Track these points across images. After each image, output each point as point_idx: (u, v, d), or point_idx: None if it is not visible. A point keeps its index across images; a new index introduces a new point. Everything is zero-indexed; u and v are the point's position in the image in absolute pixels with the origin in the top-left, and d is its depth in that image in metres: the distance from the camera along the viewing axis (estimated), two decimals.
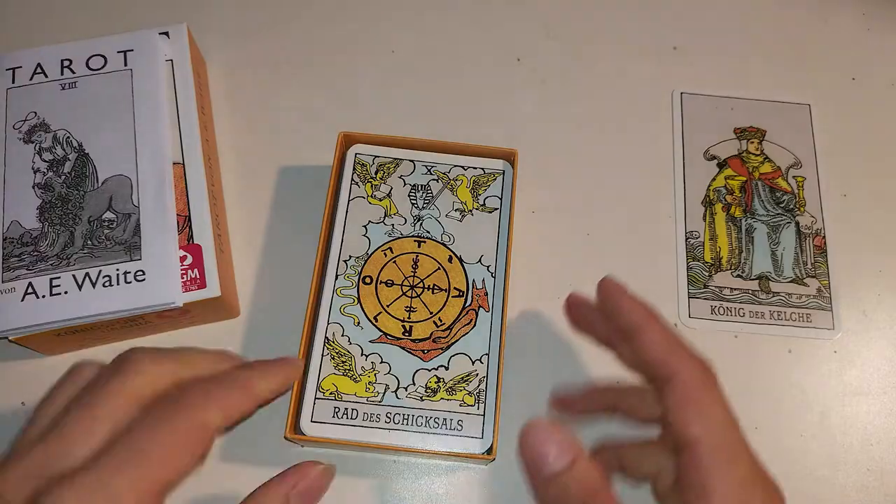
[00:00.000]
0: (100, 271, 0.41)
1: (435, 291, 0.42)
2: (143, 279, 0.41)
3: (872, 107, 0.51)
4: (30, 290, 0.40)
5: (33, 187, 0.43)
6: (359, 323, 0.41)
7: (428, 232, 0.43)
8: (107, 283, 0.41)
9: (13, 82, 0.46)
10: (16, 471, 0.25)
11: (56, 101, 0.45)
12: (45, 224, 0.42)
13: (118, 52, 0.46)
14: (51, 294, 0.40)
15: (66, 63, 0.46)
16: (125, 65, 0.46)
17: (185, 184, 0.43)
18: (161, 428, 0.26)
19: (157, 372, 0.28)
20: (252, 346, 0.44)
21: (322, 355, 0.40)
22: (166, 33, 0.48)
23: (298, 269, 0.45)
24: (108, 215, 0.42)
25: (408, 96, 0.51)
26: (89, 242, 0.42)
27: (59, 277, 0.41)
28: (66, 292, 0.40)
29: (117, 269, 0.41)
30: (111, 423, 0.26)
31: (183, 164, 0.44)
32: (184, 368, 0.29)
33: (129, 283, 0.41)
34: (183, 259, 0.41)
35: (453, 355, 0.40)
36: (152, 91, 0.45)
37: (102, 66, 0.46)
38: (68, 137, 0.44)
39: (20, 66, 0.46)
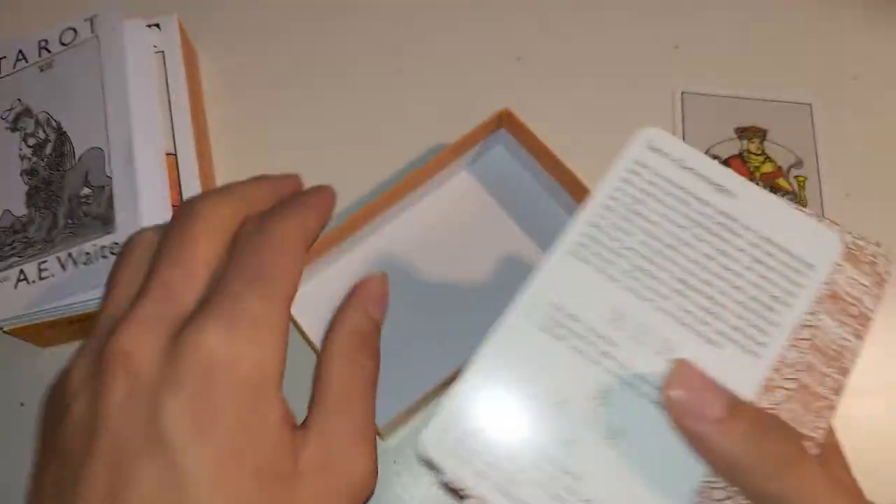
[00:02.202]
0: (80, 249, 0.42)
1: None
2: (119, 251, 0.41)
3: (874, 106, 0.53)
4: (21, 276, 0.41)
5: (21, 175, 0.44)
6: None
7: None
8: (86, 261, 0.41)
9: None
10: (134, 327, 0.25)
11: (36, 84, 0.47)
12: (31, 209, 0.43)
13: (84, 19, 0.47)
14: (40, 279, 0.41)
15: (42, 44, 0.48)
16: (91, 32, 0.47)
17: (178, 174, 0.45)
18: (264, 248, 0.27)
19: (225, 212, 0.29)
20: None
21: None
22: (157, 25, 0.49)
23: None
24: (86, 191, 0.43)
25: (405, 94, 0.53)
26: (70, 221, 0.43)
27: (46, 261, 0.42)
28: (52, 275, 0.41)
29: (94, 245, 0.42)
30: (206, 267, 0.27)
31: (175, 154, 0.45)
32: (246, 203, 0.30)
33: (106, 257, 0.41)
34: None
35: None
36: (117, 56, 0.46)
37: (73, 39, 0.47)
38: (48, 119, 0.45)
39: (4, 57, 0.48)
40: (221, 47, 0.54)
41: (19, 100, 0.46)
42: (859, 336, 0.29)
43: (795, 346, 0.28)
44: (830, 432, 0.30)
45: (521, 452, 0.26)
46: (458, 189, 0.49)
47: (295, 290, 0.28)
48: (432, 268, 0.46)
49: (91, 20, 0.47)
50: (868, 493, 0.43)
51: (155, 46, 0.48)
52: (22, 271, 0.41)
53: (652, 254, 0.29)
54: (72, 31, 0.47)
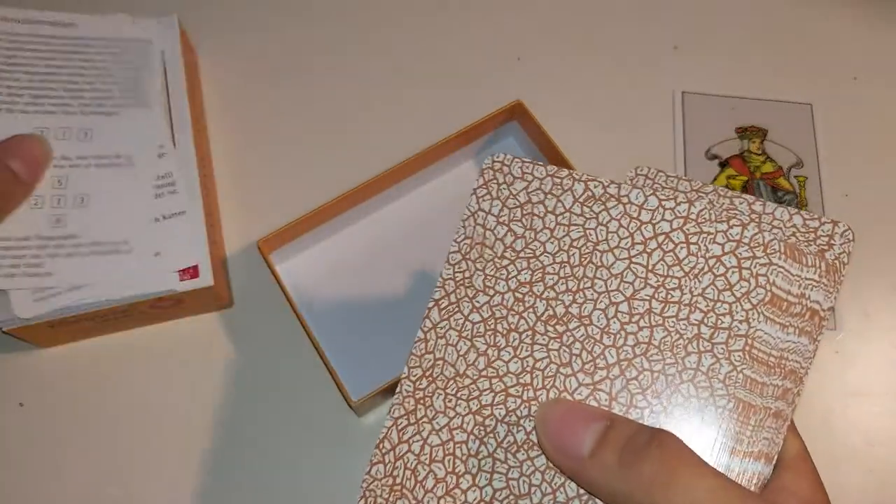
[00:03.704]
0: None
1: None
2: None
3: (874, 106, 0.53)
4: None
5: None
6: None
7: None
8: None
9: None
10: None
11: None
12: None
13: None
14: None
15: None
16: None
17: None
18: None
19: None
20: (246, 335, 0.46)
21: None
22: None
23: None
24: None
25: (405, 95, 0.53)
26: None
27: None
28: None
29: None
30: None
31: None
32: None
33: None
34: None
35: None
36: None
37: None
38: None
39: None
40: (220, 46, 0.54)
41: None
42: (807, 333, 0.27)
43: (728, 358, 0.27)
44: (793, 441, 0.28)
45: None
46: (463, 176, 0.50)
47: None
48: (427, 251, 0.47)
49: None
50: (870, 493, 0.44)
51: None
52: None
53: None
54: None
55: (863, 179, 0.51)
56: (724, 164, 0.52)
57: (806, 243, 0.28)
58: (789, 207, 0.29)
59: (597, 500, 0.26)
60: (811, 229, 0.28)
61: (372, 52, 0.55)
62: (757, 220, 0.29)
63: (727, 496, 0.24)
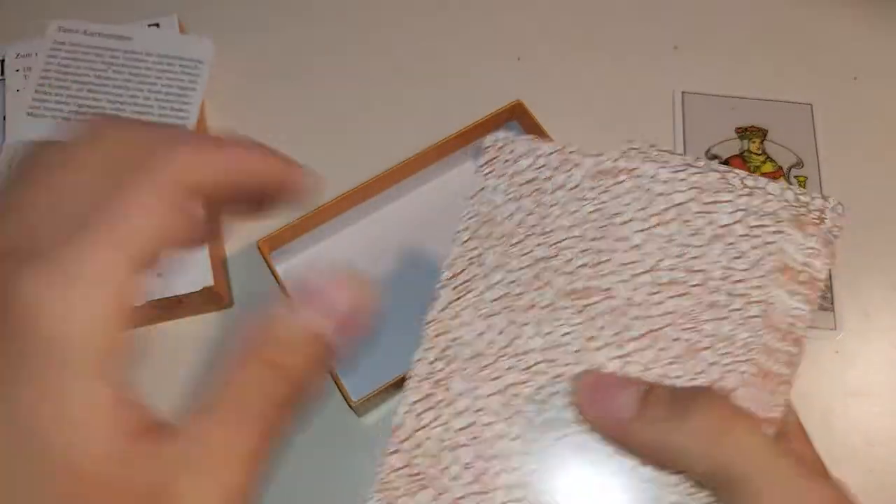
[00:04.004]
0: None
1: None
2: None
3: (874, 106, 0.53)
4: None
5: None
6: None
7: None
8: None
9: None
10: None
11: None
12: None
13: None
14: None
15: None
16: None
17: None
18: (124, 191, 0.20)
19: (117, 136, 0.21)
20: None
21: None
22: (157, 24, 0.50)
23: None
24: None
25: (405, 95, 0.53)
26: None
27: None
28: None
29: None
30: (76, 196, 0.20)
31: None
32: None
33: None
34: None
35: None
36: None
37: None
38: None
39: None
40: (220, 46, 0.54)
41: None
42: (810, 302, 0.27)
43: (745, 325, 0.27)
44: (790, 409, 0.28)
45: None
46: (463, 176, 0.50)
47: (151, 245, 0.21)
48: (428, 251, 0.47)
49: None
50: (870, 493, 0.44)
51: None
52: None
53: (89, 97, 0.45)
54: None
55: (863, 179, 0.51)
56: (724, 164, 0.52)
57: (806, 215, 0.28)
58: (780, 182, 0.29)
59: (639, 470, 0.26)
60: (803, 203, 0.28)
61: (372, 52, 0.55)
62: (751, 193, 0.29)
63: (776, 450, 0.24)
